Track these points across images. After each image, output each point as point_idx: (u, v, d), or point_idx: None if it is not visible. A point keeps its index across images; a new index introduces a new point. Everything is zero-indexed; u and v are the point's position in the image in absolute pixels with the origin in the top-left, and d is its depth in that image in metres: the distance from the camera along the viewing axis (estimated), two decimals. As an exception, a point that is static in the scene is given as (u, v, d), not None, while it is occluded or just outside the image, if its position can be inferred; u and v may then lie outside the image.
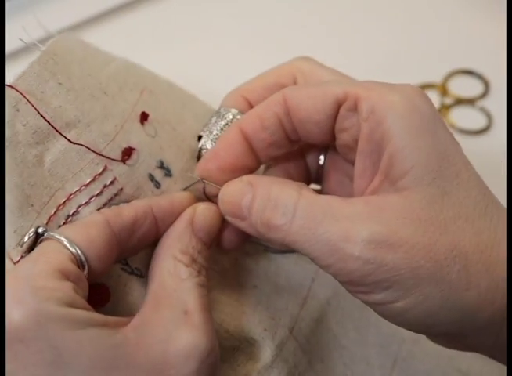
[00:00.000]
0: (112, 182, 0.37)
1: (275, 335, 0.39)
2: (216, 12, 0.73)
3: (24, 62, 0.35)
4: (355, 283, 0.32)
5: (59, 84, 0.36)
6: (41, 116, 0.34)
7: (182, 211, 0.36)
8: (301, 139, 0.37)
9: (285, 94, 0.35)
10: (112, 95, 0.38)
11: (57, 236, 0.32)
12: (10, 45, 0.61)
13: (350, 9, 0.75)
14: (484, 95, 0.68)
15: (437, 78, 0.69)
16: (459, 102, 0.67)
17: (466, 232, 0.31)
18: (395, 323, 0.33)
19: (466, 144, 0.64)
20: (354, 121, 0.33)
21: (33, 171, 0.34)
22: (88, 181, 0.36)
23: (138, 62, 0.44)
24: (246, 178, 0.36)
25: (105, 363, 0.29)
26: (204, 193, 0.38)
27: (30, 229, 0.33)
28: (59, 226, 0.35)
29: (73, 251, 0.32)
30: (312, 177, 0.42)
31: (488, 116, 0.66)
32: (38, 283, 0.30)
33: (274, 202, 0.33)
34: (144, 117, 0.40)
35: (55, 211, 0.35)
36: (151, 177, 0.39)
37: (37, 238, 0.33)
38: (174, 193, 0.38)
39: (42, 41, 0.37)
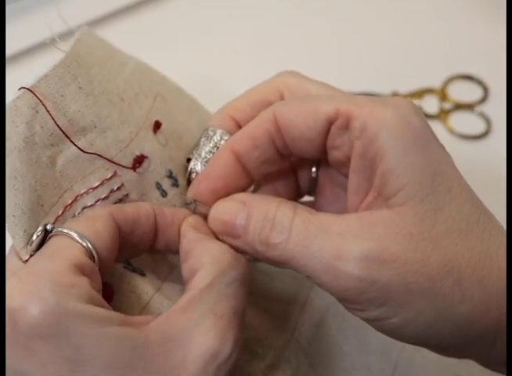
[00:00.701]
0: (119, 188, 0.37)
1: (277, 336, 0.39)
2: (220, 13, 0.74)
3: (37, 60, 0.35)
4: (350, 301, 0.32)
5: (80, 88, 0.36)
6: (55, 122, 0.34)
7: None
8: (293, 154, 0.37)
9: (275, 111, 0.34)
10: (128, 102, 0.39)
11: (66, 231, 0.32)
12: (21, 44, 0.62)
13: (350, 14, 0.76)
14: (483, 100, 0.68)
15: (436, 83, 0.69)
16: (459, 107, 0.67)
17: (459, 246, 0.31)
18: (393, 338, 0.33)
19: (465, 149, 0.64)
20: (346, 138, 0.33)
21: (46, 172, 0.34)
22: (96, 184, 0.36)
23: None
24: (237, 196, 0.36)
25: (123, 363, 0.29)
26: (194, 213, 0.38)
27: (38, 228, 0.33)
28: None
29: (84, 244, 0.32)
30: (305, 190, 0.42)
31: (488, 121, 0.66)
32: (57, 279, 0.29)
33: (272, 221, 0.33)
34: (157, 125, 0.40)
35: (63, 212, 0.35)
36: (158, 185, 0.39)
37: (46, 235, 0.33)
38: (179, 208, 0.38)
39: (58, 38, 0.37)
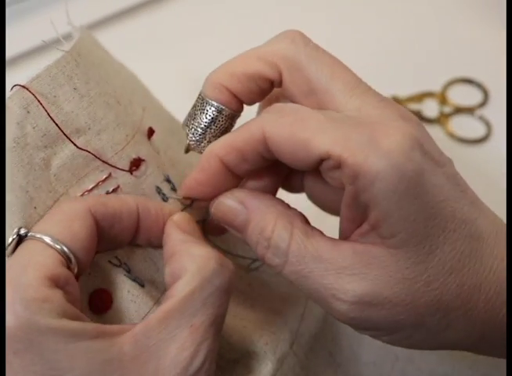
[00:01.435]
0: (114, 190, 0.37)
1: (276, 349, 0.39)
2: (218, 15, 0.74)
3: (42, 60, 0.35)
4: (345, 324, 0.34)
5: (74, 89, 0.35)
6: (51, 119, 0.34)
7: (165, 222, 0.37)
8: None
9: (264, 130, 0.33)
10: (124, 106, 0.38)
11: (39, 236, 0.32)
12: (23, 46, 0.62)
13: (349, 16, 0.76)
14: (483, 103, 0.68)
15: (436, 87, 0.69)
16: (459, 110, 0.67)
17: (450, 285, 0.32)
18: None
19: (466, 153, 0.64)
20: (337, 175, 0.32)
21: (39, 174, 0.34)
22: (91, 187, 0.36)
23: (137, 66, 0.44)
24: (237, 194, 0.36)
25: None
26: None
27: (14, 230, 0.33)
28: None
29: (59, 248, 0.31)
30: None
31: (488, 125, 0.66)
32: (29, 294, 0.29)
33: (267, 242, 0.34)
34: (151, 132, 0.39)
35: None
36: (158, 189, 0.38)
37: (20, 240, 0.33)
38: (165, 204, 0.38)
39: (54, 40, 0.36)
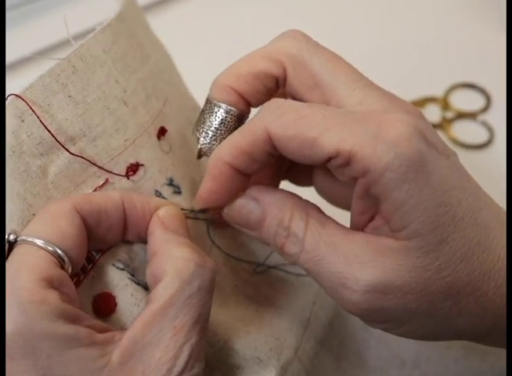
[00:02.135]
0: None
1: (280, 355, 0.39)
2: (219, 20, 0.74)
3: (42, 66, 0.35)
4: (356, 316, 0.34)
5: (69, 96, 0.36)
6: (45, 127, 0.34)
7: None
8: None
9: (268, 130, 0.33)
10: (133, 106, 0.38)
11: (30, 240, 0.32)
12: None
13: (351, 22, 0.76)
14: (485, 109, 0.68)
15: (438, 92, 0.69)
16: (461, 116, 0.67)
17: (460, 273, 0.32)
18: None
19: (468, 158, 0.64)
20: (346, 172, 0.33)
21: (36, 182, 0.34)
22: (89, 192, 0.36)
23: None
24: (250, 192, 0.36)
25: None
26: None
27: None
28: None
29: (51, 250, 0.32)
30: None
31: (490, 130, 0.66)
32: (25, 297, 0.29)
33: (286, 231, 0.34)
34: (162, 132, 0.39)
35: None
36: (158, 193, 0.38)
37: (11, 246, 0.32)
38: (152, 197, 0.37)
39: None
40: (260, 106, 0.38)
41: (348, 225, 0.36)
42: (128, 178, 0.37)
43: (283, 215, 0.34)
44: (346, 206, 0.36)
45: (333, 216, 0.36)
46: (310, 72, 0.35)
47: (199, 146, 0.38)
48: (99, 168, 0.36)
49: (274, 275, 0.43)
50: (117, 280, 0.35)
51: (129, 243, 0.37)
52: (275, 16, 0.75)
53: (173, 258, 0.33)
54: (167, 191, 0.39)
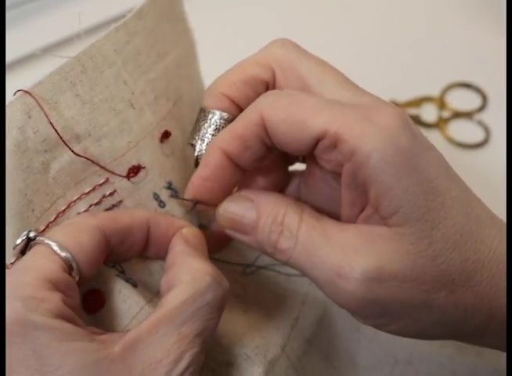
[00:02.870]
0: (111, 194, 0.37)
1: (267, 352, 0.39)
2: (215, 27, 0.74)
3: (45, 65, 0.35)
4: (350, 311, 0.34)
5: (77, 95, 0.36)
6: (51, 125, 0.34)
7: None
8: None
9: (262, 113, 0.34)
10: (140, 108, 0.38)
11: (47, 242, 0.33)
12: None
13: (348, 22, 0.76)
14: (481, 108, 0.68)
15: (435, 91, 0.69)
16: (457, 115, 0.67)
17: (454, 261, 0.32)
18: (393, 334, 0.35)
19: (464, 158, 0.64)
20: (333, 156, 0.33)
21: (37, 178, 0.35)
22: (88, 190, 0.37)
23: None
24: (245, 193, 0.36)
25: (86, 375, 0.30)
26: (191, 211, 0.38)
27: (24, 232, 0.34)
28: None
29: (63, 255, 0.33)
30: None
31: (486, 129, 0.66)
32: (28, 292, 0.30)
33: (281, 227, 0.34)
34: (166, 135, 0.40)
35: (55, 218, 0.35)
36: (156, 196, 0.39)
37: (29, 242, 0.34)
38: (176, 218, 0.38)
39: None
40: None
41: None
42: (129, 180, 0.38)
43: (278, 211, 0.35)
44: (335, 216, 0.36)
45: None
46: (298, 74, 0.36)
47: (196, 154, 0.38)
48: (102, 167, 0.37)
49: (264, 275, 0.43)
50: (106, 277, 0.36)
51: None
52: (274, 16, 0.75)
53: (191, 268, 0.34)
54: (165, 194, 0.39)
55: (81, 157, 0.36)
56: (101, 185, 0.37)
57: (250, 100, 0.37)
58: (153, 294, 0.38)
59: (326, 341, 0.43)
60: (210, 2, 0.74)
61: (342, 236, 0.33)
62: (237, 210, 0.36)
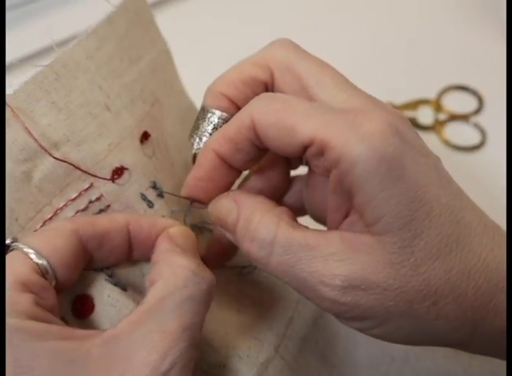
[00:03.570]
0: (98, 199, 0.37)
1: (260, 353, 0.39)
2: (213, 27, 0.74)
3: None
4: (334, 315, 0.34)
5: (52, 103, 0.36)
6: (29, 133, 0.34)
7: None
8: None
9: (253, 117, 0.34)
10: (117, 110, 0.38)
11: (21, 247, 0.33)
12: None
13: (345, 24, 0.76)
14: (478, 111, 0.68)
15: (431, 94, 0.69)
16: (453, 118, 0.67)
17: (437, 270, 0.32)
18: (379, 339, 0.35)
19: (460, 160, 0.64)
20: (321, 162, 0.33)
21: (19, 186, 0.35)
22: (74, 196, 0.36)
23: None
24: (231, 194, 0.37)
25: None
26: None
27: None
28: None
29: (39, 261, 0.33)
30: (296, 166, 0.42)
31: (482, 132, 0.66)
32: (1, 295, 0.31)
33: (252, 234, 0.34)
34: (145, 136, 0.40)
35: (41, 226, 0.35)
36: (143, 196, 0.39)
37: (7, 249, 0.34)
38: (158, 218, 0.38)
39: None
40: None
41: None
42: (113, 182, 0.37)
43: (252, 217, 0.34)
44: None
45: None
46: (297, 74, 0.36)
47: (193, 151, 0.39)
48: (84, 172, 0.36)
49: (259, 275, 0.43)
50: (94, 282, 0.36)
51: None
52: (274, 16, 0.75)
53: (172, 264, 0.34)
54: (152, 194, 0.39)
55: (62, 161, 0.36)
56: (86, 190, 0.37)
57: (249, 100, 0.37)
58: (143, 297, 0.38)
59: (323, 340, 0.43)
60: (210, 3, 0.74)
61: (324, 244, 0.33)
62: (222, 209, 0.36)
